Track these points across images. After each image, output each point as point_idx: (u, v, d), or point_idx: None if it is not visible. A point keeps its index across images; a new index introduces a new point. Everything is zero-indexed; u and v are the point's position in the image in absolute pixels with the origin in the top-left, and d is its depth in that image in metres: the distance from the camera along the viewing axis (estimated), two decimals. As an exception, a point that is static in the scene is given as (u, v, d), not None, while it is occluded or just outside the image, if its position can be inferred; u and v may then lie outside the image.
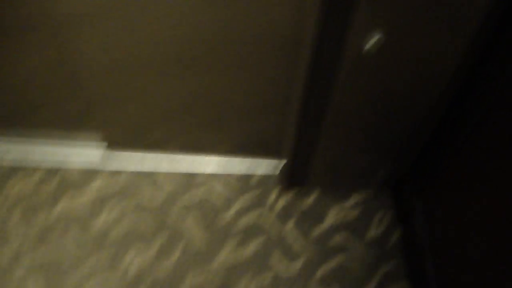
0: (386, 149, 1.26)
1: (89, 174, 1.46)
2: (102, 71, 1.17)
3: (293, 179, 1.39)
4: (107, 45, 1.10)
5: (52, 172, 1.47)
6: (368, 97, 1.07)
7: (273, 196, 1.42)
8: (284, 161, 1.42)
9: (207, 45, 1.08)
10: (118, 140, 1.43)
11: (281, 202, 1.41)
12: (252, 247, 1.32)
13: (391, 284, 1.27)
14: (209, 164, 1.46)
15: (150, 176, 1.46)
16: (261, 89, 1.22)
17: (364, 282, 1.27)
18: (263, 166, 1.47)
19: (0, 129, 1.47)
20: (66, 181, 1.45)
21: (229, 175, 1.46)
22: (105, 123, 1.38)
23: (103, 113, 1.33)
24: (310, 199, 1.41)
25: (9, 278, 1.25)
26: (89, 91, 1.25)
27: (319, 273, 1.28)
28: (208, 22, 1.03)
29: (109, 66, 1.16)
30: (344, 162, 1.31)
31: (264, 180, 1.45)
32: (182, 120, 1.35)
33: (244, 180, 1.45)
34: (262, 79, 1.19)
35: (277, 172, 1.47)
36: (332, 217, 1.38)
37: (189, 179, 1.46)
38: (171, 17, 1.02)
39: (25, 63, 1.18)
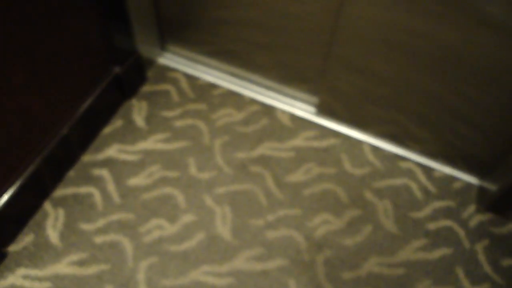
0: None
1: (300, 122, 1.44)
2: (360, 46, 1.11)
3: (495, 205, 1.27)
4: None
5: (265, 109, 1.47)
6: None
7: (469, 210, 1.31)
8: (488, 183, 1.30)
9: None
10: (328, 105, 1.39)
11: (475, 221, 1.29)
12: (437, 253, 1.23)
13: None
14: (411, 157, 1.39)
15: (357, 145, 1.41)
16: (494, 107, 1.13)
17: None
18: (464, 176, 1.37)
19: (219, 62, 1.50)
20: (277, 122, 1.44)
21: (433, 170, 1.38)
22: (322, 86, 1.34)
23: (327, 76, 1.29)
24: (506, 229, 1.28)
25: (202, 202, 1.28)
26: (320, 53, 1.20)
27: (499, 307, 1.17)
28: None
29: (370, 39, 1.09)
30: None
31: (464, 190, 1.34)
32: (400, 109, 1.28)
33: (447, 181, 1.36)
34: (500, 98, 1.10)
35: (477, 188, 1.35)
36: (530, 256, 1.25)
37: (394, 161, 1.39)
38: None
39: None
